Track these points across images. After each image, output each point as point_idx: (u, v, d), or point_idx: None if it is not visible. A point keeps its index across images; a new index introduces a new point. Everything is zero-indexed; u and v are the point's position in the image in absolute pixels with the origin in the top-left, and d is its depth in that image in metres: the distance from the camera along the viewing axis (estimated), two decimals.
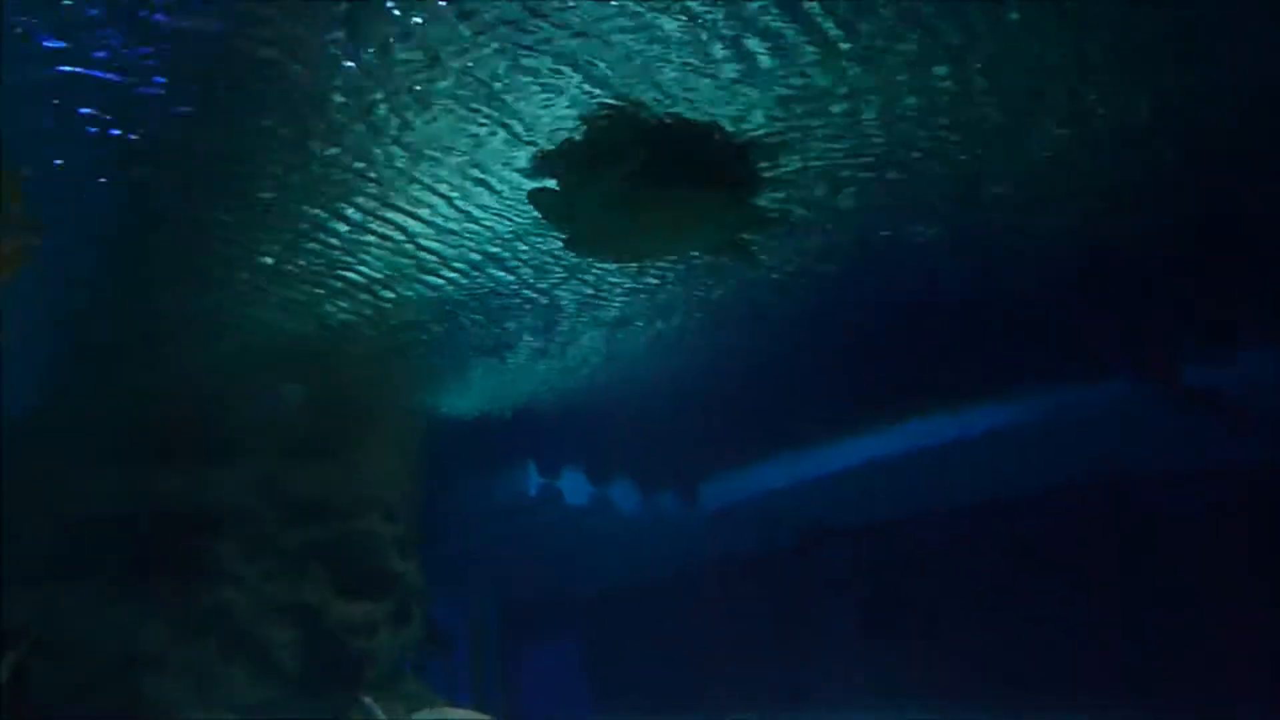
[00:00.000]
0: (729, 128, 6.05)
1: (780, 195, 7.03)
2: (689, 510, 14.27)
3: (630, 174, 5.99)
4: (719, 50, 5.46)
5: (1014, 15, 5.43)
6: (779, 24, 5.31)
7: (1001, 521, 12.60)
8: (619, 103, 5.77)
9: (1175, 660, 10.63)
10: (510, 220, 7.44)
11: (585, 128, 5.97)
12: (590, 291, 9.41)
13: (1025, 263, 9.14)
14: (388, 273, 8.29)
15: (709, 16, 5.18)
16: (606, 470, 13.83)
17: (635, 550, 14.40)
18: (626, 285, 9.40)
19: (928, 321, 10.46)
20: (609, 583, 15.41)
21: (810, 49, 5.52)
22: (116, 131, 5.69)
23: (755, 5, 5.14)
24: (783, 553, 14.62)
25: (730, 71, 5.63)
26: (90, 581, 9.45)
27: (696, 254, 8.00)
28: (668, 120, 5.90)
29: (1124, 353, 10.81)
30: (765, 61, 5.60)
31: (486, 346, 10.56)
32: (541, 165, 6.33)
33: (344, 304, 8.73)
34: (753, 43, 5.45)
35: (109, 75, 5.28)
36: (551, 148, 6.10)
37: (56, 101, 5.33)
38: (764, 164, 6.47)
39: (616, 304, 9.86)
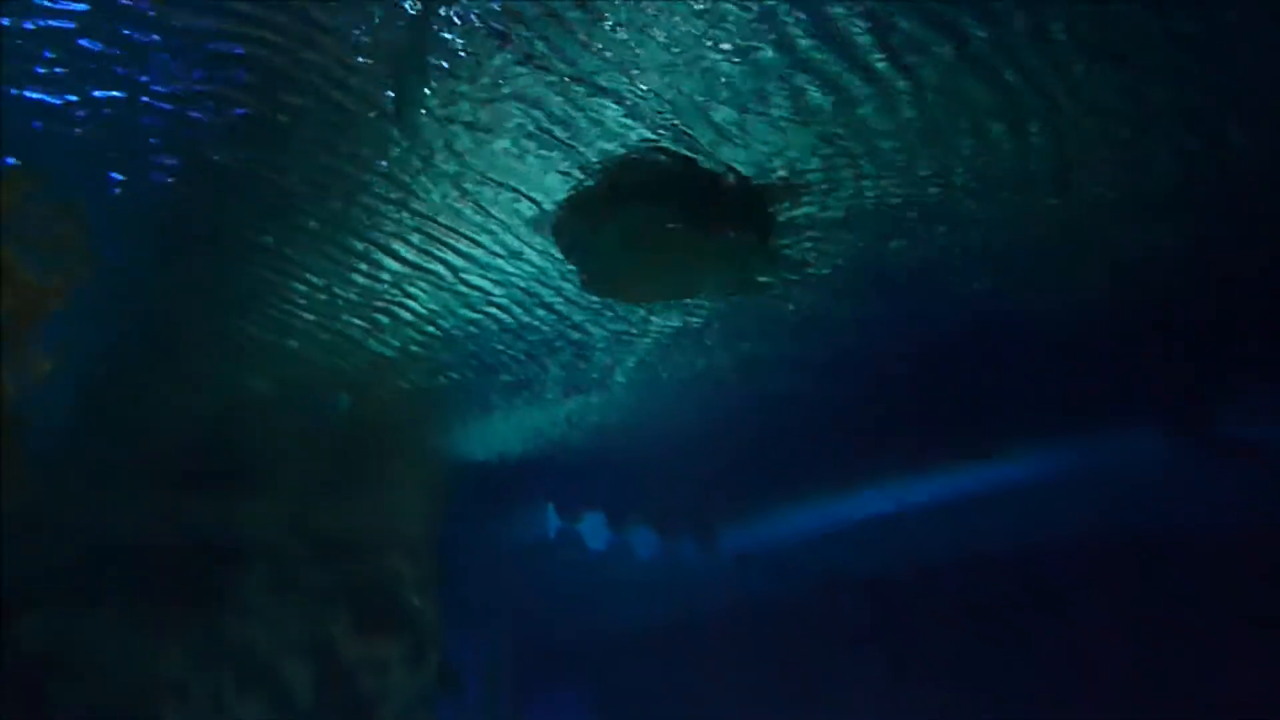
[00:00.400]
0: (748, 170, 6.12)
1: (798, 240, 7.09)
2: (708, 555, 14.16)
3: (645, 216, 6.03)
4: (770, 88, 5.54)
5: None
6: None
7: (1026, 576, 12.46)
8: (643, 143, 5.87)
9: None
10: (544, 260, 7.58)
11: (604, 169, 6.04)
12: (620, 331, 9.47)
13: (1056, 310, 9.15)
14: (425, 310, 8.41)
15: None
16: (626, 514, 13.76)
17: (653, 595, 14.28)
18: (655, 327, 9.46)
19: (955, 370, 10.44)
20: (626, 627, 15.25)
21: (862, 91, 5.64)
22: (164, 159, 5.82)
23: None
24: (801, 601, 14.46)
25: (777, 110, 5.70)
26: (112, 607, 9.45)
27: (712, 298, 8.00)
28: (686, 162, 5.96)
29: (1156, 403, 10.74)
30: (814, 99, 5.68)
31: (513, 386, 10.61)
32: (566, 205, 6.38)
33: (377, 340, 8.82)
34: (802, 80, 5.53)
35: (162, 104, 5.42)
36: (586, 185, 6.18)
37: (109, 127, 5.43)
38: (782, 206, 6.50)
39: (644, 346, 9.92)
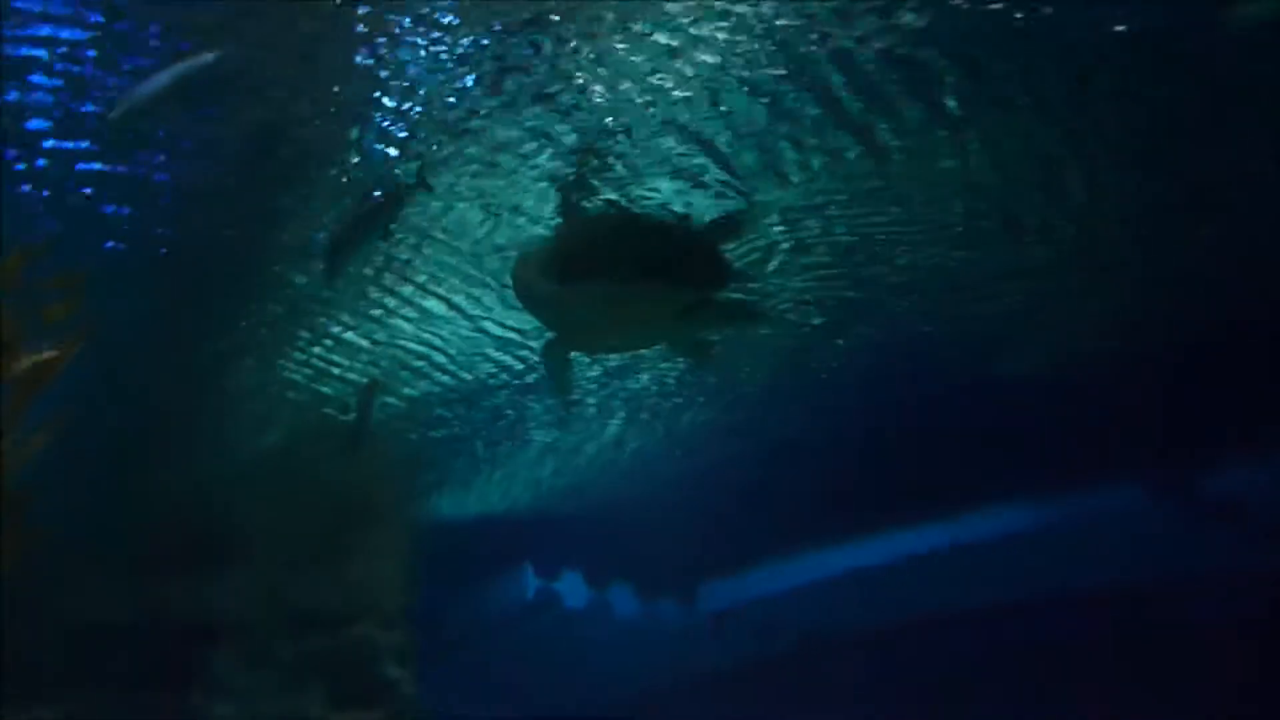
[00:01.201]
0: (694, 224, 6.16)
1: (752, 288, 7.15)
2: (687, 613, 14.01)
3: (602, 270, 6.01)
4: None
5: None
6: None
7: (1009, 630, 12.36)
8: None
9: None
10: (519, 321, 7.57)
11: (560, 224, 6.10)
12: (597, 392, 9.46)
13: (1042, 370, 9.26)
14: (389, 372, 8.34)
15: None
16: (605, 572, 13.62)
17: (633, 654, 14.06)
18: (629, 389, 9.45)
19: (935, 426, 10.51)
20: (607, 688, 14.96)
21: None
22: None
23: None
24: (781, 659, 14.28)
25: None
26: (89, 690, 9.14)
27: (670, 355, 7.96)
28: (636, 217, 6.03)
29: (1139, 462, 10.81)
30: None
31: (489, 446, 10.52)
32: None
33: (338, 409, 8.71)
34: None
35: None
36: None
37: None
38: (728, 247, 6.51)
39: (619, 407, 9.90)
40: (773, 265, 7.01)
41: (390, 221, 5.76)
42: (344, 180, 5.63)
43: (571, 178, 5.85)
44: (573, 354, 6.80)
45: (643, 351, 7.92)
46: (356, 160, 5.47)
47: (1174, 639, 10.97)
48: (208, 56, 4.34)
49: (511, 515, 12.05)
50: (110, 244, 5.77)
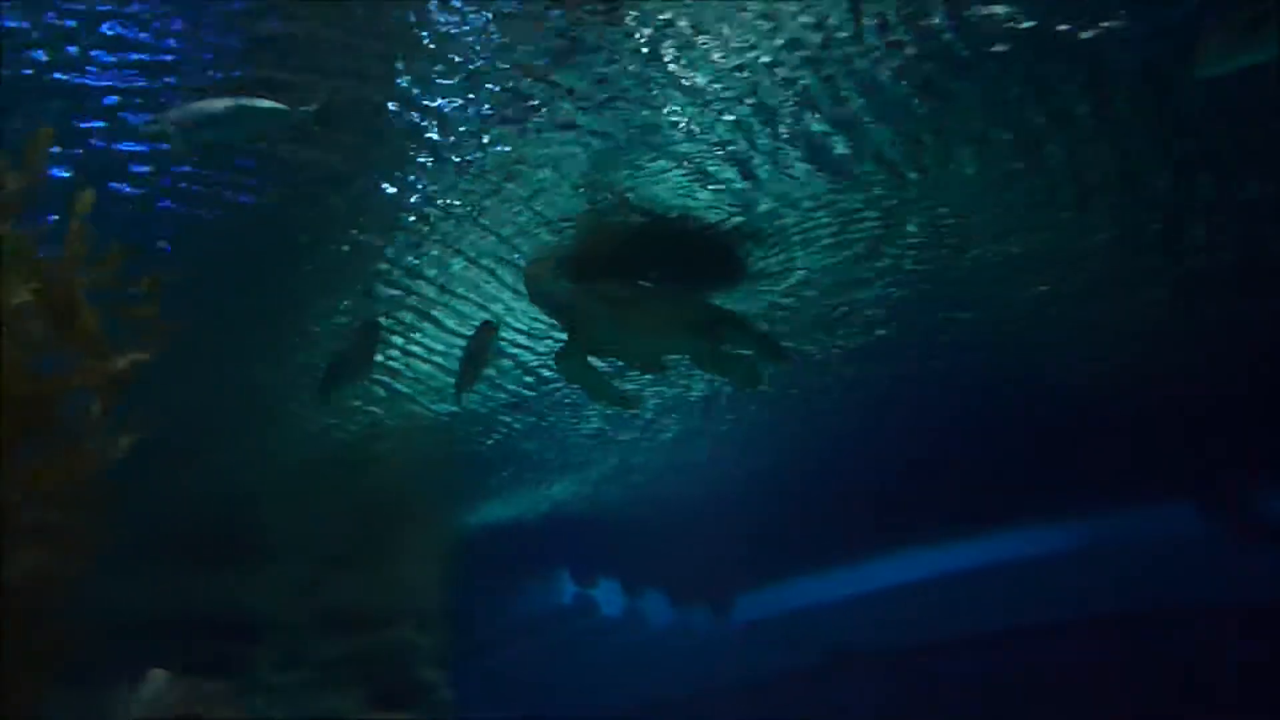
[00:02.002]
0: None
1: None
2: (720, 623, 13.98)
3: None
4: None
5: None
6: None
7: (1040, 651, 12.23)
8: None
9: None
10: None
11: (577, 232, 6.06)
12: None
13: (1087, 387, 9.19)
14: (436, 383, 8.40)
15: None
16: (641, 581, 13.61)
17: (666, 662, 14.04)
18: (668, 400, 9.46)
19: (975, 444, 10.44)
20: (639, 696, 14.96)
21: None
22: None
23: None
24: (808, 672, 14.22)
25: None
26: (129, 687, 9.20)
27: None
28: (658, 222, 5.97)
29: (1186, 481, 10.67)
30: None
31: (528, 454, 10.55)
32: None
33: (390, 411, 8.77)
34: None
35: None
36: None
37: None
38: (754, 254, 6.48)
39: (656, 417, 9.91)
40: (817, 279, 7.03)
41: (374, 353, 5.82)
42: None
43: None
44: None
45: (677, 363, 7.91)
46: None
47: (1218, 662, 10.82)
48: (280, 106, 4.36)
49: (551, 521, 12.08)
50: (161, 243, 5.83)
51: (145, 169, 5.07)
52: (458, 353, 7.74)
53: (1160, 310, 7.88)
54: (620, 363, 7.50)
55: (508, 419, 9.41)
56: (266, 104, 4.36)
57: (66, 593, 2.99)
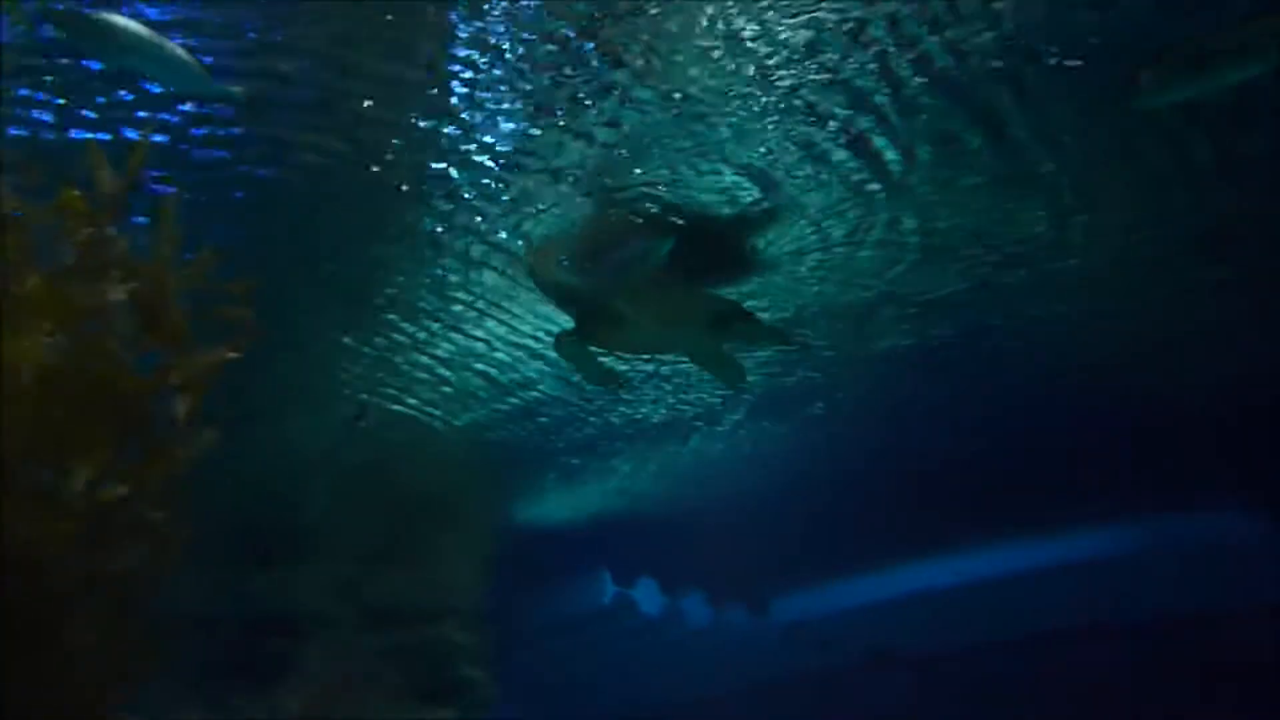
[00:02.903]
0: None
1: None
2: (758, 624, 13.97)
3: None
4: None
5: None
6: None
7: (1083, 654, 12.12)
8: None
9: None
10: None
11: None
12: (672, 404, 9.49)
13: (1136, 388, 9.12)
14: (480, 384, 8.46)
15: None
16: (680, 581, 13.62)
17: (705, 662, 14.05)
18: (705, 400, 9.47)
19: (1017, 445, 10.38)
20: (678, 695, 14.98)
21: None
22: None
23: None
24: (851, 674, 14.18)
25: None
26: (170, 682, 9.31)
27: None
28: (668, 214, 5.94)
29: (1237, 481, 10.57)
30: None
31: (569, 454, 10.59)
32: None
33: (437, 410, 8.84)
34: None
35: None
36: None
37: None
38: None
39: (696, 418, 9.93)
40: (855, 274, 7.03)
41: None
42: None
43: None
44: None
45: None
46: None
47: (1255, 669, 10.70)
48: (200, 70, 4.19)
49: (591, 520, 12.12)
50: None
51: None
52: (501, 355, 7.85)
53: (1211, 312, 7.84)
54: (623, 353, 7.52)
55: (545, 420, 9.48)
56: (187, 60, 4.17)
57: (160, 590, 3.04)
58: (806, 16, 4.47)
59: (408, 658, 11.03)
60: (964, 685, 13.08)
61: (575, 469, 10.98)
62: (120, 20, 3.92)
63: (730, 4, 4.38)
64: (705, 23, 4.49)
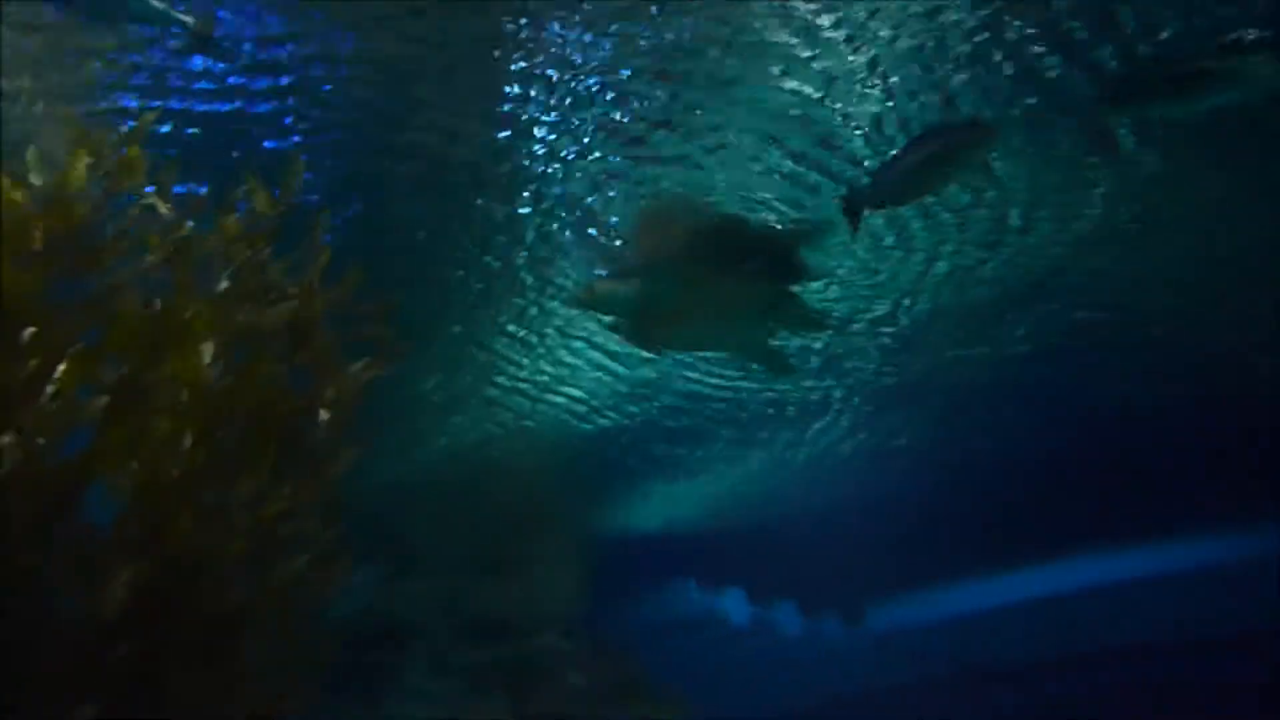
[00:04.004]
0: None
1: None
2: (852, 635, 13.83)
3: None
4: None
5: None
6: None
7: (1176, 670, 11.76)
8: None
9: None
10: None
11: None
12: (764, 413, 9.46)
13: (1220, 397, 8.90)
14: (583, 399, 8.54)
15: None
16: (771, 590, 13.55)
17: (796, 673, 13.95)
18: (797, 408, 9.42)
19: (1113, 460, 10.17)
20: (768, 704, 14.90)
21: None
22: None
23: None
24: (946, 687, 13.95)
25: None
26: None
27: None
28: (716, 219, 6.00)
29: None
30: None
31: (660, 466, 10.62)
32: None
33: (531, 423, 8.93)
34: None
35: None
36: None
37: None
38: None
39: (787, 427, 9.88)
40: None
41: None
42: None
43: None
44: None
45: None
46: None
47: None
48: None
49: (677, 530, 12.12)
50: None
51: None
52: (588, 371, 7.92)
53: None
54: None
55: (644, 432, 9.54)
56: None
57: (324, 603, 3.11)
58: None
59: (513, 668, 11.09)
60: (1055, 697, 12.82)
61: (665, 478, 11.02)
62: None
63: None
64: None
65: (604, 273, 6.26)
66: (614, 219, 5.96)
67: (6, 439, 2.64)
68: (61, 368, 2.77)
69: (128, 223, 3.06)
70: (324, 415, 3.36)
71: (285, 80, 4.62)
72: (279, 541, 3.04)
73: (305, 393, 3.28)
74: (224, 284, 3.13)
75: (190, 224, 3.09)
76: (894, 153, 5.07)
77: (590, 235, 6.07)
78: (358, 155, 5.23)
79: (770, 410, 9.41)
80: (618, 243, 6.16)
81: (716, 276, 5.77)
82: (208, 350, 3.03)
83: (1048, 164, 5.68)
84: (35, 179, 3.05)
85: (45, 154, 4.55)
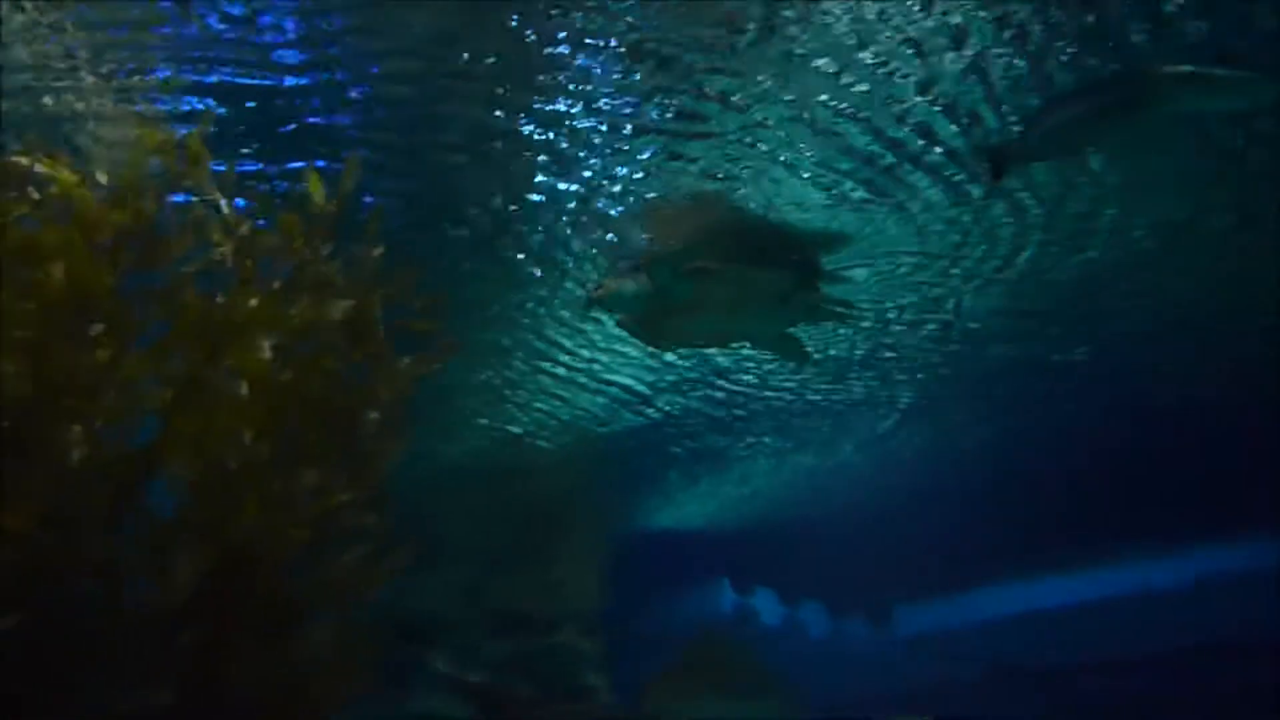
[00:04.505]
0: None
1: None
2: (880, 636, 13.79)
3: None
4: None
5: None
6: None
7: (1205, 675, 11.62)
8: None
9: None
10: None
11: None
12: (792, 416, 9.47)
13: (1235, 409, 8.84)
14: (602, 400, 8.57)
15: None
16: (800, 591, 13.55)
17: (823, 674, 13.90)
18: (827, 410, 9.41)
19: (1147, 466, 10.12)
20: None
21: None
22: None
23: None
24: (968, 687, 13.87)
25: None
26: None
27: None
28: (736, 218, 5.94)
29: None
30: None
31: (696, 465, 10.64)
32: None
33: (561, 421, 8.98)
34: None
35: None
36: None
37: None
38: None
39: (820, 428, 9.87)
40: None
41: None
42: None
43: None
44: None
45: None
46: None
47: None
48: None
49: (711, 529, 12.14)
50: None
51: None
52: (619, 370, 7.95)
53: None
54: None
55: (673, 430, 9.55)
56: None
57: (377, 596, 3.16)
58: None
59: (533, 663, 11.15)
60: (1085, 702, 12.73)
61: (695, 477, 11.04)
62: None
63: None
64: None
65: (616, 270, 6.22)
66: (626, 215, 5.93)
67: (76, 429, 2.70)
68: (128, 360, 2.83)
69: (192, 217, 3.12)
70: (377, 409, 3.41)
71: (333, 50, 4.58)
72: (338, 532, 3.09)
73: (361, 387, 3.33)
74: (283, 279, 3.19)
75: (252, 220, 3.15)
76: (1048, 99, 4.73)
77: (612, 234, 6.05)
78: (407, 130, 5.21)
79: (815, 407, 9.37)
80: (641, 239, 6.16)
81: (734, 274, 5.81)
82: (267, 344, 3.09)
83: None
84: (101, 176, 3.11)
85: (99, 136, 4.63)
